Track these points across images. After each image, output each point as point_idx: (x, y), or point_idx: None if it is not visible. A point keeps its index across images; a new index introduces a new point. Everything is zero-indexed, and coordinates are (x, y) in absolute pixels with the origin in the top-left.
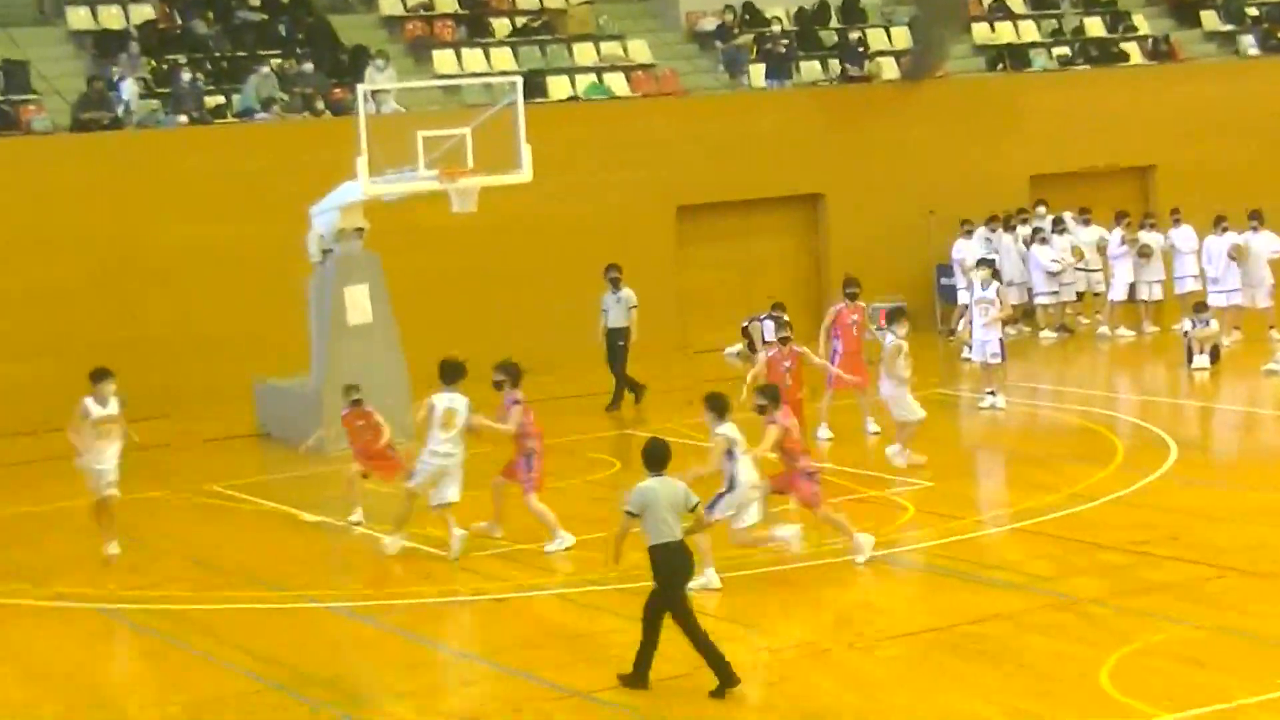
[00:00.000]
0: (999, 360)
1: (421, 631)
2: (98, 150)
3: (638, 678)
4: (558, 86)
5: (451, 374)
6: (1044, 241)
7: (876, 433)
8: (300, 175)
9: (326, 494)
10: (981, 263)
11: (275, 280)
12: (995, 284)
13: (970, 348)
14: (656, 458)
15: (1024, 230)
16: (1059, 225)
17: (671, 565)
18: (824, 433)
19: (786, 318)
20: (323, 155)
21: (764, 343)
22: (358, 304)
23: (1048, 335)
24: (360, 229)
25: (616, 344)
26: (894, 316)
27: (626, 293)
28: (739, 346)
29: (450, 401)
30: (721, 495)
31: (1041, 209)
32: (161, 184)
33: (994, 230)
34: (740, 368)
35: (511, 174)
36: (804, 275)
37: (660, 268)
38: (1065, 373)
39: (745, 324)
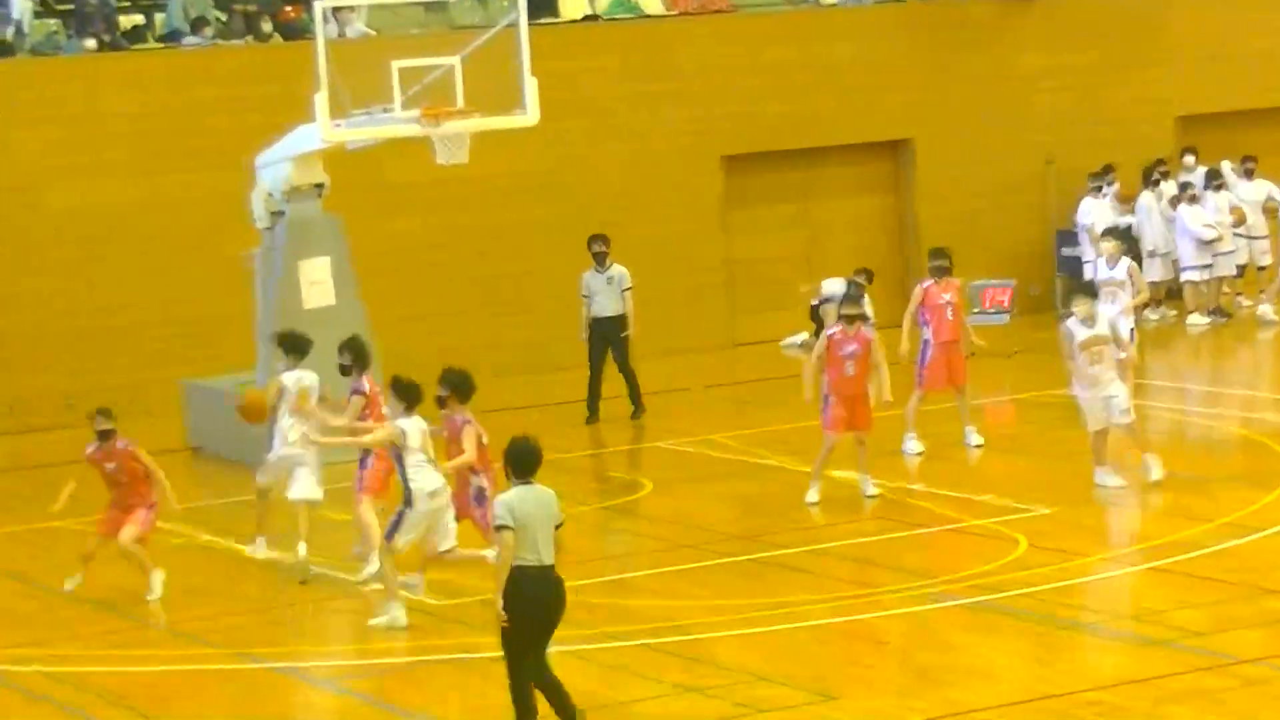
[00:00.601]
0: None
1: (397, 700)
2: None
3: None
4: (572, 3)
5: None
6: (1194, 200)
7: (979, 445)
8: (241, 117)
9: (277, 524)
10: (1108, 233)
11: (209, 252)
12: (1125, 260)
13: None
14: (529, 461)
15: (1169, 187)
16: (1214, 179)
17: (534, 595)
18: (912, 445)
19: (864, 294)
20: (270, 91)
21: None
22: (316, 281)
23: (1198, 321)
24: (319, 185)
25: (615, 336)
26: (1073, 292)
27: (618, 271)
28: (803, 336)
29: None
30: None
31: (1190, 159)
32: (61, 126)
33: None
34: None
35: (512, 115)
36: (886, 245)
37: (701, 235)
38: (1221, 369)
39: (816, 304)
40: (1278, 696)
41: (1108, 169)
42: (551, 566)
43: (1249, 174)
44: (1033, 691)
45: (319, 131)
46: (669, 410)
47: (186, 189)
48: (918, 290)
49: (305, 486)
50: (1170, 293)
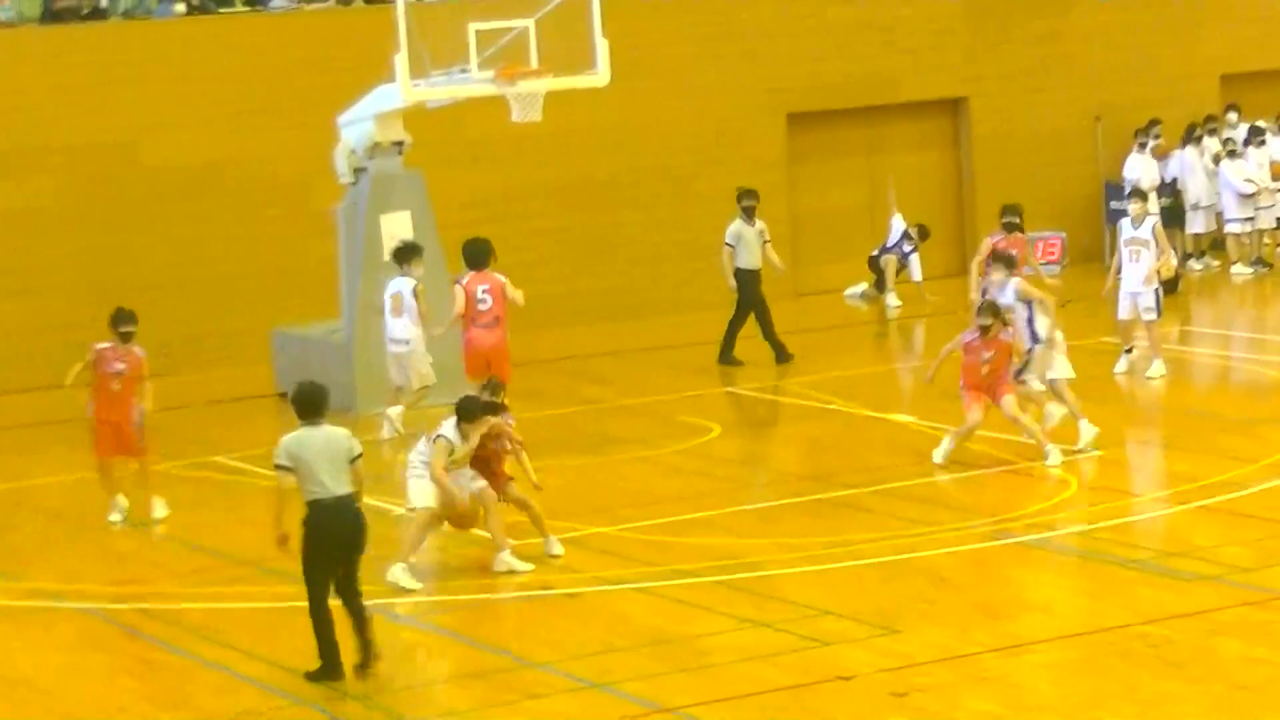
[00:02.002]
0: (1154, 317)
1: (478, 634)
2: (75, 46)
3: (326, 670)
4: None
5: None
6: (1235, 156)
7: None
8: (326, 77)
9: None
10: (1134, 194)
11: (296, 206)
12: (1151, 219)
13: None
14: (310, 404)
15: (1212, 143)
16: (1257, 136)
17: (323, 526)
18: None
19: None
20: (353, 52)
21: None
22: (397, 235)
23: (1241, 270)
24: (399, 143)
25: (759, 287)
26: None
27: (762, 225)
28: (864, 286)
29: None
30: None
31: (1233, 116)
32: (155, 88)
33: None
34: (864, 310)
35: (585, 75)
36: (944, 198)
37: (768, 188)
38: (1264, 316)
39: (875, 254)
40: None
41: (1153, 123)
42: (346, 496)
43: None
44: (1087, 625)
45: (399, 91)
46: (736, 356)
47: (273, 146)
48: (986, 242)
49: None
50: (1215, 244)
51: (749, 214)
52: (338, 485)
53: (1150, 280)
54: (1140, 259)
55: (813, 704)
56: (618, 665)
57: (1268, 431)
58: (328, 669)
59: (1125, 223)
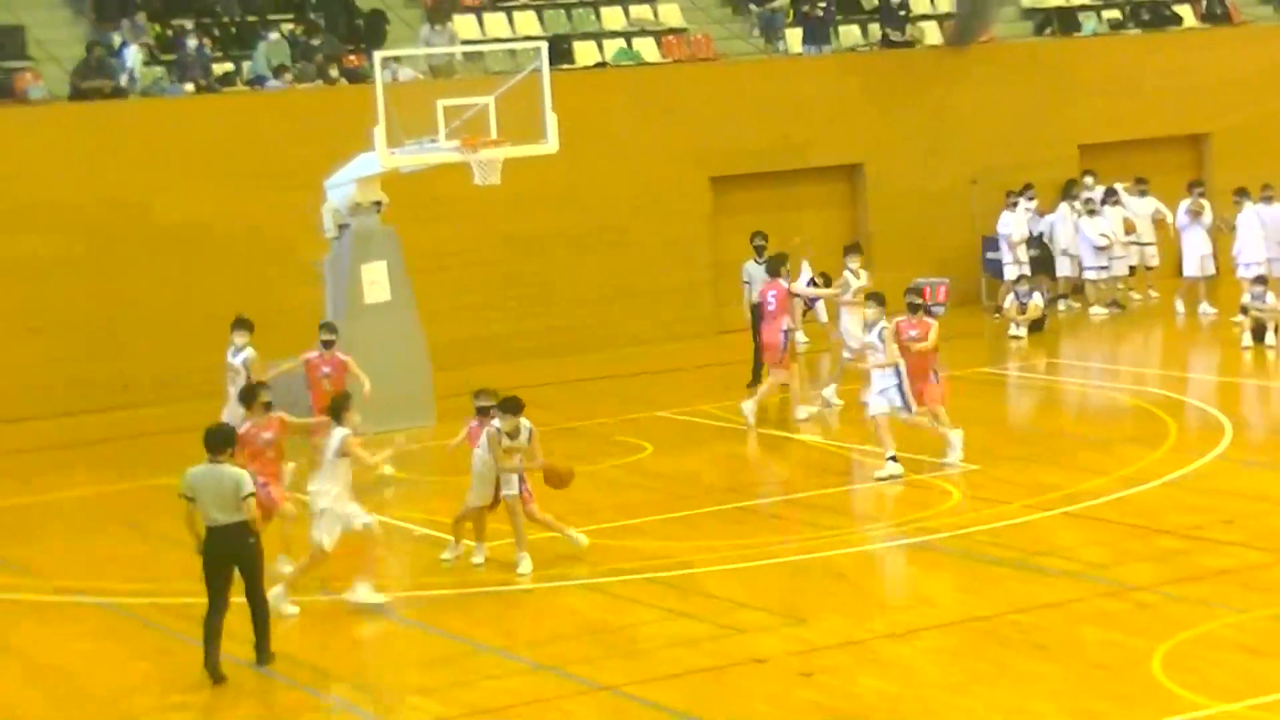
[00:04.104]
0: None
1: (444, 625)
2: (98, 120)
3: (208, 669)
4: (585, 52)
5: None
6: (1093, 213)
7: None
8: (314, 146)
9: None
10: (871, 298)
11: (287, 258)
12: (881, 325)
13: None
14: (212, 442)
15: (1075, 202)
16: (1112, 196)
17: (211, 549)
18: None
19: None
20: (337, 125)
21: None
22: (375, 281)
23: (1099, 311)
24: (378, 203)
25: None
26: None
27: None
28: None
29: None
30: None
31: (1089, 179)
32: (167, 156)
33: (1030, 200)
34: None
35: (537, 144)
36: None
37: (694, 241)
38: (1117, 351)
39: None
40: (1164, 616)
41: (1027, 187)
42: (232, 524)
43: (1143, 193)
44: (966, 614)
45: (378, 158)
46: (665, 386)
47: (267, 206)
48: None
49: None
50: (1075, 288)
51: (760, 253)
52: (225, 516)
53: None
54: (874, 362)
55: (731, 683)
56: (564, 651)
57: (1120, 449)
58: (209, 669)
59: (874, 331)
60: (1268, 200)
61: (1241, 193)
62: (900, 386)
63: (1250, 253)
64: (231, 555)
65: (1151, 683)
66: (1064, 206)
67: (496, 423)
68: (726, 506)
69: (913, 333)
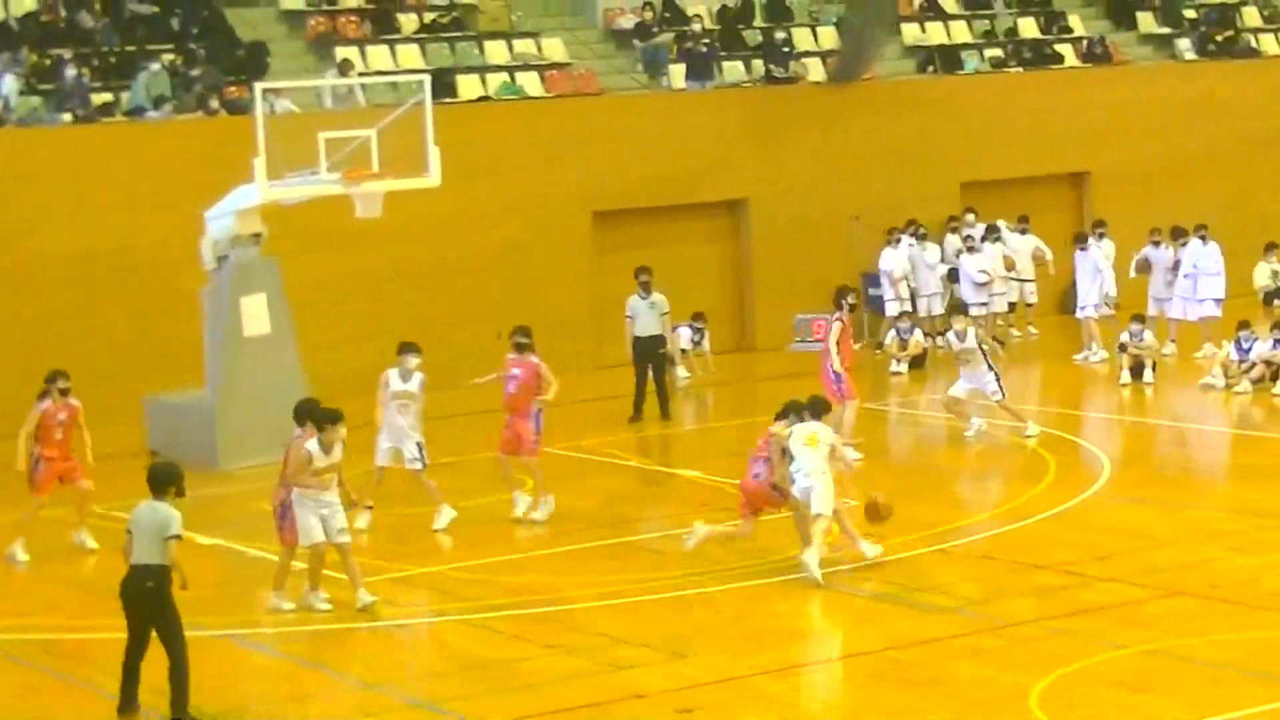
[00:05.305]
0: None
1: (321, 660)
2: None
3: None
4: (468, 86)
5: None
6: (972, 251)
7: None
8: (194, 178)
9: (221, 515)
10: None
11: (166, 290)
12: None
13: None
14: (155, 480)
15: (954, 239)
16: (993, 233)
17: (122, 587)
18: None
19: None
20: (217, 156)
21: (681, 352)
22: (255, 314)
23: None
24: (257, 235)
25: (654, 352)
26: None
27: (658, 297)
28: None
29: None
30: None
31: (970, 216)
32: (44, 186)
33: (919, 237)
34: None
35: (418, 178)
36: (727, 284)
37: (577, 276)
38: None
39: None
40: (1041, 651)
41: (910, 223)
42: (143, 566)
43: (1024, 231)
44: (844, 650)
45: (258, 190)
46: (547, 420)
47: (147, 236)
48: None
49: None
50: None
51: (645, 289)
52: (143, 556)
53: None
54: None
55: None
56: (443, 687)
57: (996, 485)
58: (122, 707)
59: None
60: (1155, 244)
61: (1085, 235)
62: None
63: (1085, 294)
64: (130, 597)
65: (1029, 719)
66: (932, 248)
67: (311, 443)
68: (607, 542)
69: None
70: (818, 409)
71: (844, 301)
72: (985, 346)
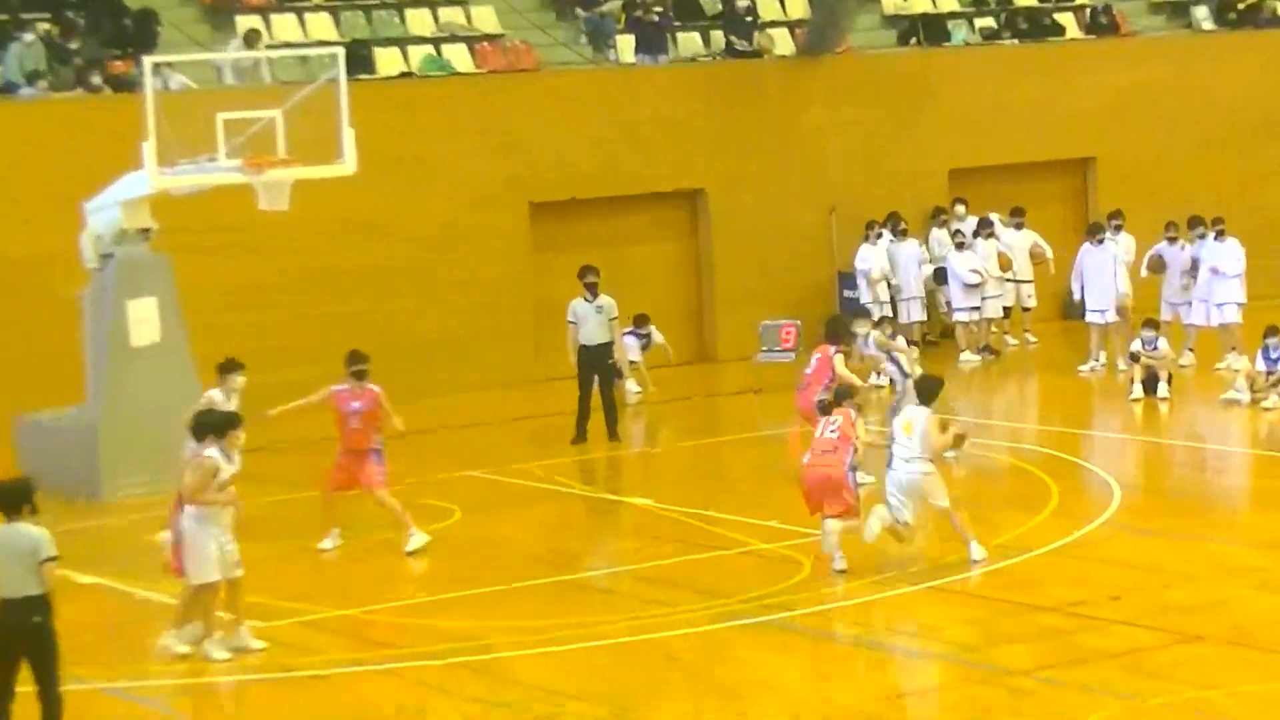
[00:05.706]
0: None
1: (218, 717)
2: None
3: None
4: (387, 60)
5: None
6: (962, 247)
7: None
8: (72, 163)
9: (102, 549)
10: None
11: (40, 292)
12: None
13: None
14: (5, 499)
15: (942, 234)
16: (985, 228)
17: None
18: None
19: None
20: (100, 140)
21: (630, 363)
22: (143, 320)
23: (969, 358)
24: (146, 230)
25: (602, 363)
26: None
27: (606, 301)
28: None
29: None
30: None
31: (961, 208)
32: None
33: (901, 233)
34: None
35: (331, 165)
36: (683, 286)
37: (513, 276)
38: (990, 403)
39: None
40: (1043, 706)
41: (891, 216)
42: (21, 600)
43: (1019, 225)
44: (815, 704)
45: (147, 178)
46: (478, 441)
47: (19, 233)
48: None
49: None
50: (944, 332)
51: (591, 290)
52: (16, 588)
53: None
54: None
55: None
56: None
57: (992, 515)
58: None
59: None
60: (1171, 240)
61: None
62: None
63: (1099, 297)
64: (17, 637)
65: None
66: (911, 243)
67: (213, 450)
68: (545, 580)
69: None
70: (927, 393)
71: (850, 333)
72: (897, 354)
